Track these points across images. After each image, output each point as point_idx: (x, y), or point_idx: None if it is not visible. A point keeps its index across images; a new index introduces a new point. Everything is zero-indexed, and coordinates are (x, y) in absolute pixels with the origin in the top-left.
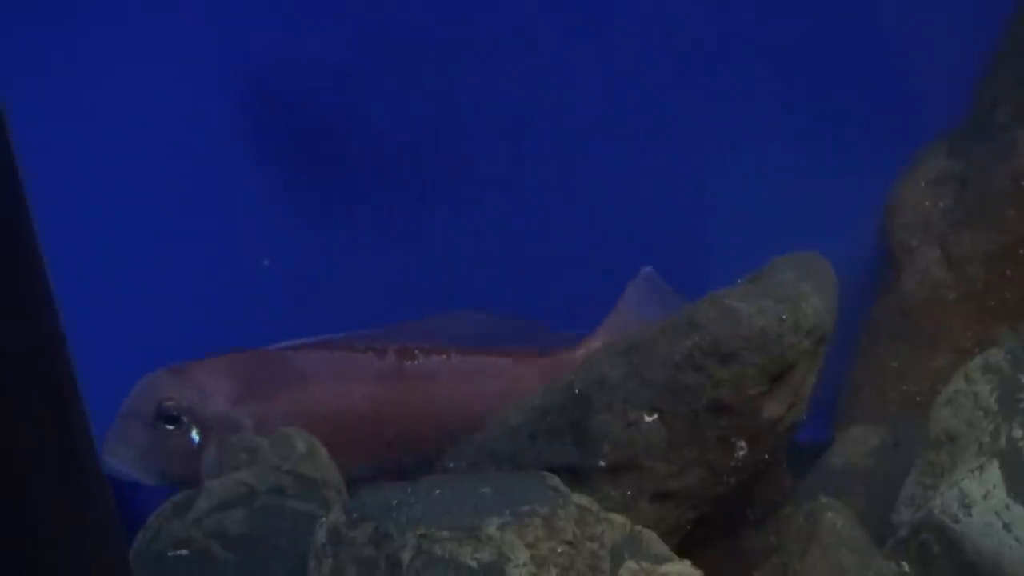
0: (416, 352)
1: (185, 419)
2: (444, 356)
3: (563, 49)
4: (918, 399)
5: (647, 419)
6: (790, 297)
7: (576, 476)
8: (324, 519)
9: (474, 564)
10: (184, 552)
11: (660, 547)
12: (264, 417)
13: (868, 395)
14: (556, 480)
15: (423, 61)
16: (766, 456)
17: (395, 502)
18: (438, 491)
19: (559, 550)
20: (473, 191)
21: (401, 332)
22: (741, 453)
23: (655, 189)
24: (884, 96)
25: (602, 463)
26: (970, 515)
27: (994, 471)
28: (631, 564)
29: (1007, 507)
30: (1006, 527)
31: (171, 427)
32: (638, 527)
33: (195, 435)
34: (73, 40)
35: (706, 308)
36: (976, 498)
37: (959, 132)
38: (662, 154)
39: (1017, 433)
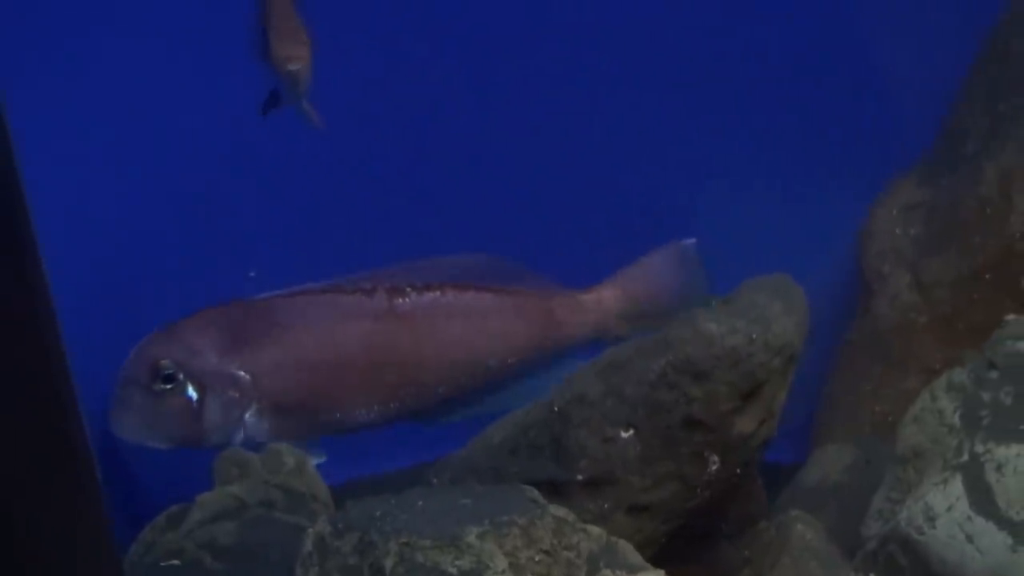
0: (408, 290)
1: (180, 377)
2: (438, 293)
3: (542, 91)
4: (890, 419)
5: (623, 435)
6: (761, 317)
7: (555, 490)
8: (311, 529)
9: (454, 571)
10: (176, 563)
11: (635, 557)
12: (257, 367)
13: (842, 415)
14: (535, 492)
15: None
16: (738, 471)
17: (379, 513)
18: (421, 502)
19: (536, 558)
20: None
21: (391, 273)
22: (714, 467)
23: (637, 213)
24: (859, 128)
25: (580, 477)
26: (934, 527)
27: (957, 485)
28: (606, 573)
29: (969, 519)
30: (969, 539)
31: (168, 386)
32: (614, 538)
33: (192, 392)
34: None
35: (679, 328)
36: (940, 511)
37: (930, 162)
38: (644, 181)
39: (979, 448)
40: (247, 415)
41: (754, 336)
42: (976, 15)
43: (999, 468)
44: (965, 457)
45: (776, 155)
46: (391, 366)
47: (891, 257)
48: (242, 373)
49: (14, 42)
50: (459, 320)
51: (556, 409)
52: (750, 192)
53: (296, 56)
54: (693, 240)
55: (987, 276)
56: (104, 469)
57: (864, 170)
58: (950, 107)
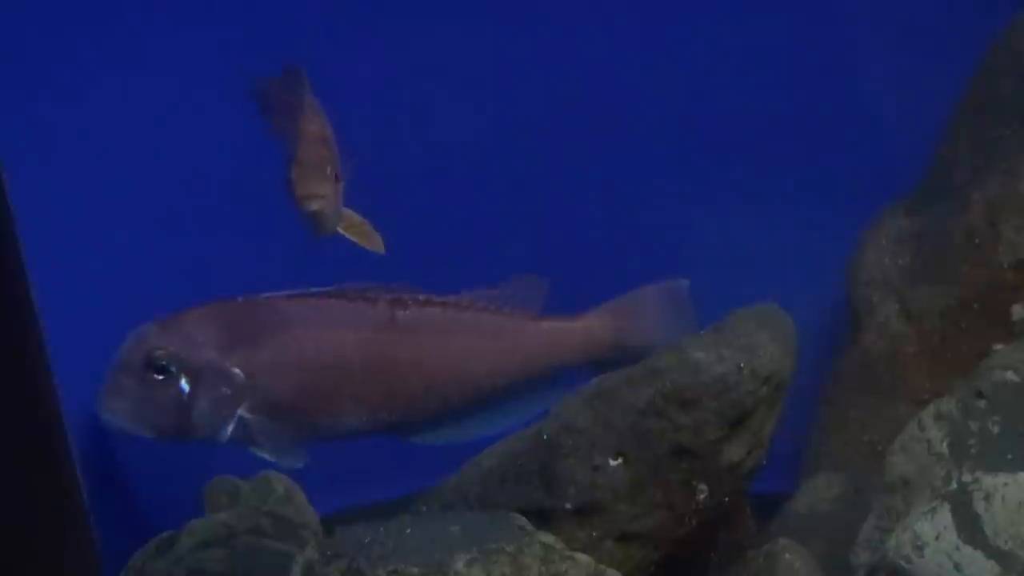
0: (409, 302)
1: (174, 368)
2: (438, 308)
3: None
4: (879, 448)
5: (612, 463)
6: (748, 346)
7: (544, 517)
8: (299, 556)
9: None
10: None
11: None
12: (253, 365)
13: (831, 444)
14: (523, 520)
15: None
16: (727, 499)
17: (367, 540)
18: (409, 529)
19: None
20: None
21: (395, 285)
22: (702, 496)
23: (625, 241)
24: (848, 158)
25: (569, 505)
26: (923, 556)
27: (945, 514)
28: None
29: (957, 548)
30: (957, 567)
31: (161, 377)
32: (602, 566)
33: (184, 384)
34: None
35: (667, 356)
36: (928, 540)
37: (918, 192)
38: (634, 210)
39: (967, 478)
40: (237, 413)
41: (742, 365)
42: (964, 46)
43: (987, 497)
44: (953, 486)
45: (766, 185)
46: (385, 376)
47: (880, 286)
48: (237, 370)
49: (14, 42)
50: (455, 337)
51: (545, 437)
52: (740, 221)
53: (317, 195)
54: (687, 281)
55: (975, 306)
56: (92, 492)
57: (853, 200)
58: (938, 138)
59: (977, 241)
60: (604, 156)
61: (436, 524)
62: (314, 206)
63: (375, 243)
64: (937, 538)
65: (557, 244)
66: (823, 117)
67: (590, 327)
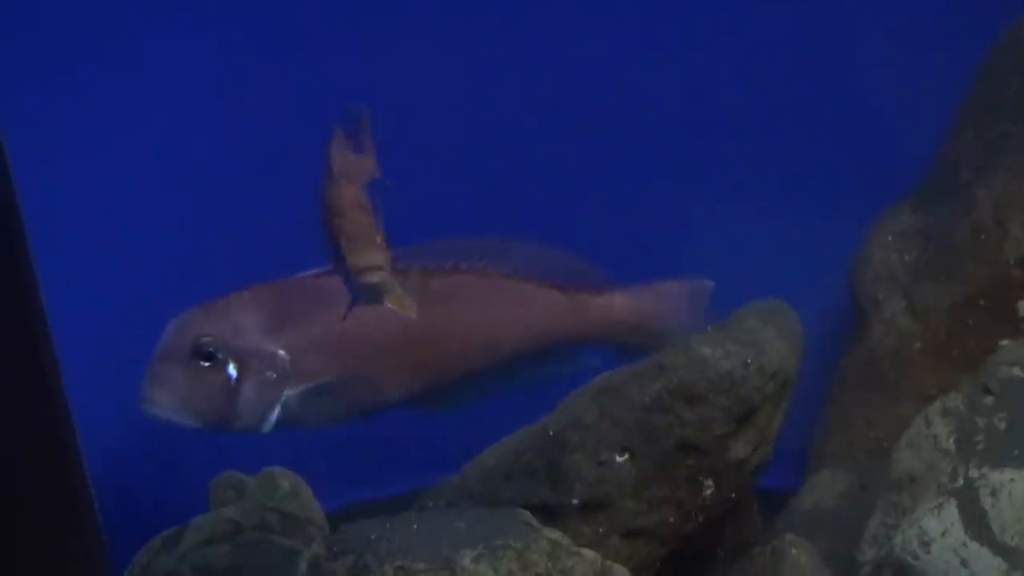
0: (440, 272)
1: (221, 355)
2: (468, 277)
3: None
4: (885, 444)
5: (618, 459)
6: (755, 342)
7: (550, 514)
8: (306, 552)
9: None
10: None
11: None
12: (297, 346)
13: (837, 441)
14: (529, 516)
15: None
16: (733, 495)
17: (374, 536)
18: (415, 525)
19: None
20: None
21: (421, 252)
22: (709, 492)
23: (633, 239)
24: (854, 155)
25: (575, 501)
26: (929, 552)
27: (952, 510)
28: None
29: (964, 544)
30: (964, 564)
31: (207, 364)
32: (608, 562)
33: (232, 370)
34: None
35: (674, 352)
36: (935, 536)
37: (924, 189)
38: (641, 207)
39: (974, 474)
40: (283, 396)
41: (748, 361)
42: (969, 44)
43: (994, 493)
44: (960, 482)
45: (772, 181)
46: (420, 347)
47: (886, 283)
48: (282, 352)
49: (18, 43)
50: (483, 305)
51: (551, 433)
52: (745, 218)
53: (374, 266)
54: (711, 283)
55: (981, 302)
56: (97, 488)
57: (859, 197)
58: (944, 135)
59: (983, 238)
60: (604, 154)
61: (442, 520)
62: (375, 279)
63: (406, 307)
64: (944, 534)
65: (559, 243)
66: (828, 113)
67: (611, 304)
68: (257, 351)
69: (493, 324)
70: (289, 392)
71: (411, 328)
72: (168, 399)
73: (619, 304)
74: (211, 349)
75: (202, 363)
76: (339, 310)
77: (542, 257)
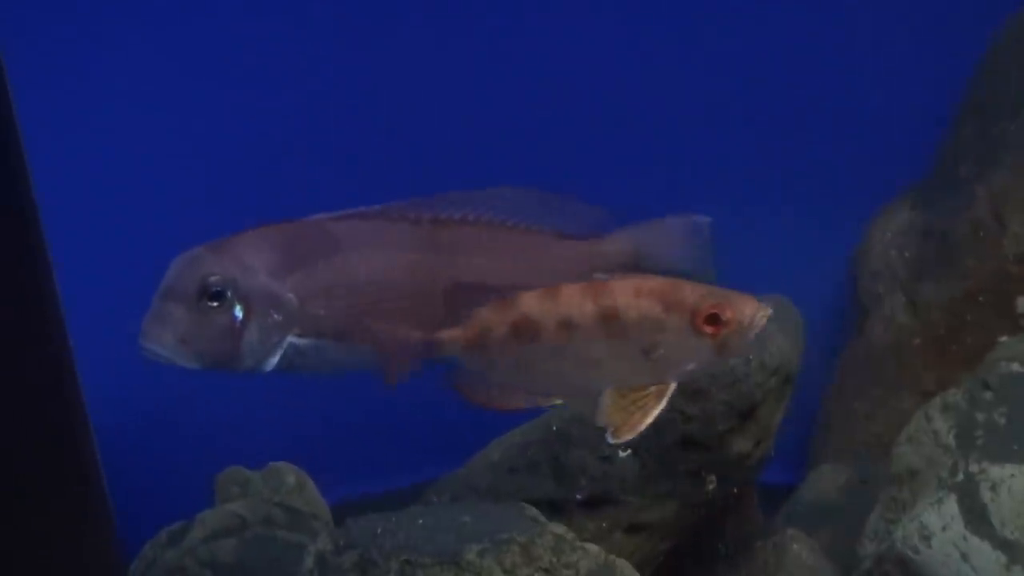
0: (448, 222)
1: (229, 294)
2: (474, 228)
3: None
4: (885, 439)
5: (621, 454)
6: (757, 338)
7: (554, 508)
8: (312, 547)
9: None
10: None
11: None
12: (306, 288)
13: (837, 436)
14: (534, 511)
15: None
16: (735, 490)
17: (379, 530)
18: (421, 520)
19: None
20: None
21: (432, 203)
22: (711, 487)
23: None
24: (854, 152)
25: (579, 496)
26: (930, 546)
27: (952, 505)
28: None
29: (964, 538)
30: (964, 557)
31: (215, 303)
32: (612, 556)
33: (238, 311)
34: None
35: None
36: (935, 530)
37: (924, 186)
38: (641, 202)
39: (974, 468)
40: (287, 340)
41: (751, 357)
42: (968, 42)
43: (993, 488)
44: (960, 477)
45: (773, 177)
46: (427, 297)
47: (886, 279)
48: (290, 295)
49: (22, 45)
50: (488, 256)
51: (555, 428)
52: (747, 214)
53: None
54: (708, 218)
55: (980, 298)
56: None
57: (859, 194)
58: (943, 132)
59: (982, 234)
60: (605, 153)
61: (447, 515)
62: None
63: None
64: (944, 529)
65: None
66: (828, 111)
67: (615, 245)
68: (264, 293)
69: (501, 274)
70: (293, 336)
71: (418, 277)
72: (170, 339)
73: (623, 244)
74: (219, 288)
75: (210, 303)
76: (350, 255)
77: (545, 203)
